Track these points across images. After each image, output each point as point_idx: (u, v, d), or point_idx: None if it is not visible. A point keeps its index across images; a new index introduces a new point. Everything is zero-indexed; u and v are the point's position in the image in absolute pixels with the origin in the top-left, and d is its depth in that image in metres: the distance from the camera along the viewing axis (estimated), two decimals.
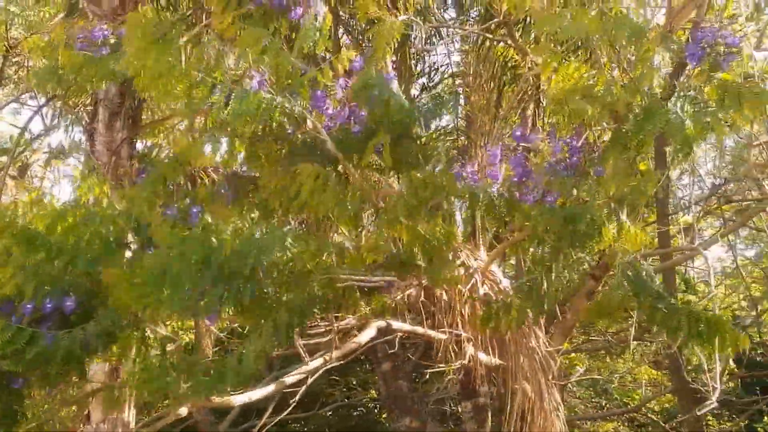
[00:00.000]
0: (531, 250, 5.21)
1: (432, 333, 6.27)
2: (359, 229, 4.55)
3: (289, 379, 5.49)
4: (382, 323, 5.82)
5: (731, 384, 12.98)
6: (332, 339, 5.69)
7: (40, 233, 4.31)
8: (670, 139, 4.07)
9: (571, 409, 14.19)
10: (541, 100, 7.81)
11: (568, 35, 4.19)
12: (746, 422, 12.90)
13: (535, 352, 6.41)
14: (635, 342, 12.44)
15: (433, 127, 10.19)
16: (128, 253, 4.63)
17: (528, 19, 6.95)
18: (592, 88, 4.23)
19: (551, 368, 6.43)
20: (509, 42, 7.31)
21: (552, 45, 4.61)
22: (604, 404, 14.93)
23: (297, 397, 5.87)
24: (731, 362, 11.75)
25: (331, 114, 4.51)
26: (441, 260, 4.53)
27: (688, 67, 4.65)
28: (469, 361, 6.32)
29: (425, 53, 9.52)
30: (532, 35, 7.25)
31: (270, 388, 5.34)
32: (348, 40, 8.67)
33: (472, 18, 9.10)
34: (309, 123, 4.38)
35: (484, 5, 7.64)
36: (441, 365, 6.40)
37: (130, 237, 4.70)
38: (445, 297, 6.48)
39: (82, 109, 9.82)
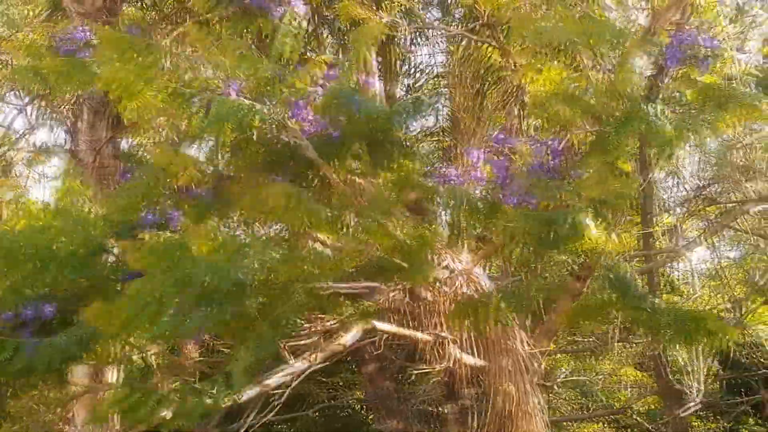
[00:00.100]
0: (515, 252, 5.21)
1: (416, 334, 6.26)
2: (341, 234, 4.52)
3: (274, 380, 5.46)
4: (366, 324, 5.81)
5: (715, 385, 13.04)
6: (316, 340, 5.67)
7: (22, 246, 4.29)
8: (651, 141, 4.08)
9: (556, 410, 14.23)
10: (525, 101, 7.82)
11: (547, 39, 4.19)
12: (731, 424, 12.97)
13: (518, 354, 6.41)
14: (619, 343, 12.48)
15: (417, 127, 10.24)
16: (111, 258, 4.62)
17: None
18: (573, 91, 4.23)
19: (535, 370, 6.42)
20: (493, 43, 7.32)
21: (534, 48, 4.61)
22: (588, 406, 14.97)
23: (282, 399, 5.84)
24: (715, 363, 11.81)
25: (310, 120, 4.49)
26: (419, 263, 4.52)
27: (670, 70, 4.67)
28: (454, 363, 6.31)
29: (410, 54, 9.53)
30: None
31: (255, 391, 5.31)
32: (332, 40, 8.67)
33: (456, 19, 9.12)
34: (288, 129, 4.35)
35: (468, 6, 7.64)
36: (425, 367, 6.40)
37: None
38: (429, 297, 6.47)
39: (65, 108, 9.77)
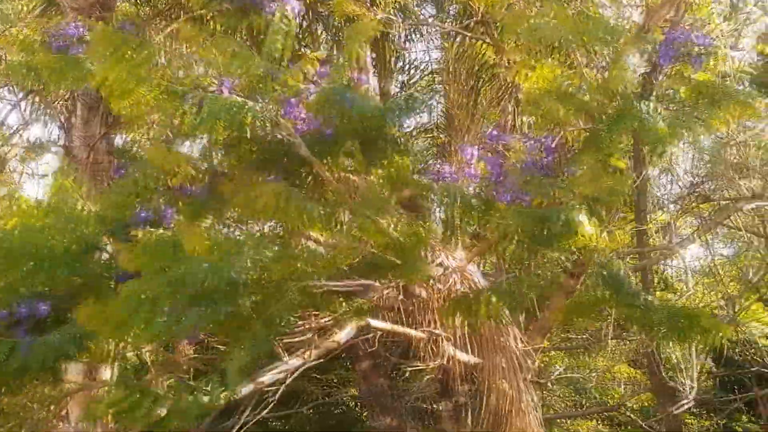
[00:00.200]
0: (509, 249, 5.21)
1: (411, 332, 6.27)
2: (335, 231, 4.52)
3: (268, 378, 5.46)
4: (361, 322, 5.81)
5: (709, 383, 13.08)
6: (311, 338, 5.67)
7: (17, 244, 4.29)
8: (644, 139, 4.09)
9: (550, 407, 14.26)
10: (520, 98, 7.83)
11: (541, 36, 4.20)
12: (724, 421, 13.00)
13: (512, 351, 6.42)
14: (613, 341, 12.50)
15: (412, 124, 10.24)
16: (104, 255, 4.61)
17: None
18: (567, 88, 4.24)
19: (528, 367, 6.44)
20: (487, 40, 7.32)
21: (528, 45, 4.61)
22: (582, 403, 15.01)
23: (277, 396, 5.84)
24: (708, 361, 11.84)
25: (303, 118, 4.48)
26: (413, 260, 4.52)
27: (664, 67, 4.67)
28: (448, 360, 6.32)
29: (404, 50, 9.52)
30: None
31: (249, 388, 5.31)
32: (327, 36, 8.66)
33: (451, 15, 9.11)
34: (281, 126, 4.34)
35: (462, 3, 7.64)
36: (420, 364, 6.41)
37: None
38: (423, 295, 6.48)
39: (60, 103, 9.75)
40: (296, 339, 6.08)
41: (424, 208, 6.38)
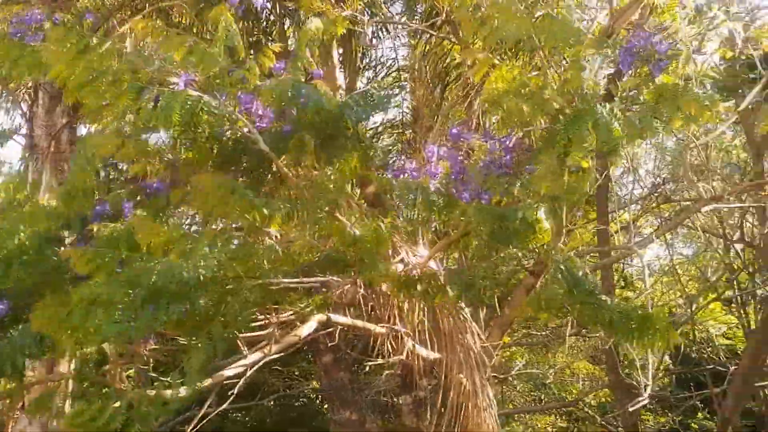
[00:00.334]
0: (471, 245, 5.26)
1: (371, 327, 6.29)
2: (293, 227, 4.51)
3: (228, 371, 5.46)
4: (322, 317, 5.83)
5: (666, 380, 13.29)
6: (272, 332, 5.67)
7: None
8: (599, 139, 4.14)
9: (510, 402, 14.41)
10: None
11: (498, 37, 4.24)
12: (680, 417, 13.22)
13: (470, 348, 6.47)
14: (573, 337, 12.66)
15: (378, 120, 10.27)
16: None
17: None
18: (528, 88, 4.28)
19: (487, 363, 6.49)
20: (453, 39, 7.36)
21: (490, 45, 4.65)
22: (542, 398, 15.18)
23: (236, 389, 5.83)
24: (666, 358, 12.04)
25: (260, 114, 4.47)
26: (374, 260, 4.54)
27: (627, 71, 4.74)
28: (408, 356, 6.36)
29: (371, 47, 9.54)
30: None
31: (208, 381, 5.30)
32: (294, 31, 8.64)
33: (418, 13, 9.15)
34: (240, 123, 4.33)
35: (429, 2, 7.67)
36: (381, 359, 6.44)
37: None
38: (386, 290, 6.50)
39: (23, 92, 9.63)
40: (258, 333, 6.09)
41: (387, 204, 6.42)
